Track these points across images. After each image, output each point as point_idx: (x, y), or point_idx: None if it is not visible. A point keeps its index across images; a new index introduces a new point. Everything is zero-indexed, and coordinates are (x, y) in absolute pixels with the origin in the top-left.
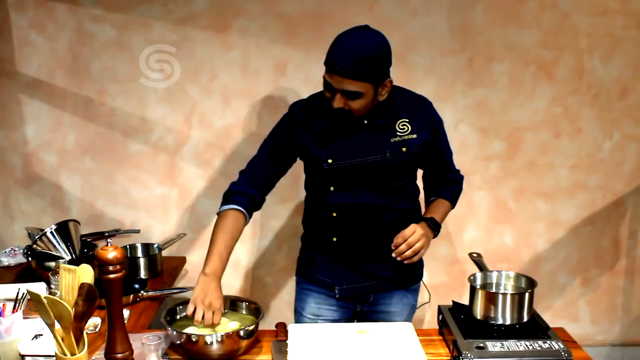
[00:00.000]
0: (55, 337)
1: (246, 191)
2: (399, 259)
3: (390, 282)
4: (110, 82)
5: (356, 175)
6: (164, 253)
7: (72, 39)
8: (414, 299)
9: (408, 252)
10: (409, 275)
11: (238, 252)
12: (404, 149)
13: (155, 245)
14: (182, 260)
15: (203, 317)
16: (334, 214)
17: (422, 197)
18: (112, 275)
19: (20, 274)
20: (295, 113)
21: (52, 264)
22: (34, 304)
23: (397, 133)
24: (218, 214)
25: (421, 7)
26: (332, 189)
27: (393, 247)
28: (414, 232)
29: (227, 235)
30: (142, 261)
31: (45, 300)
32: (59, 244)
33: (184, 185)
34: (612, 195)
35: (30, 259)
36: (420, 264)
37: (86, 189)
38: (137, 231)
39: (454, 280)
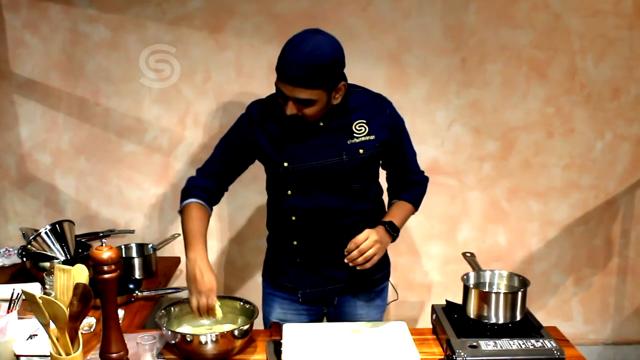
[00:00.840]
0: (50, 337)
1: (204, 185)
2: (350, 264)
3: (353, 285)
4: (105, 82)
5: (313, 178)
6: (159, 253)
7: (67, 40)
8: (380, 300)
9: (360, 259)
10: (372, 278)
11: (232, 253)
12: (361, 151)
13: (150, 246)
14: (177, 261)
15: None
16: (293, 218)
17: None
18: (106, 276)
19: (14, 274)
20: (251, 113)
21: (47, 264)
22: (28, 304)
23: (354, 135)
24: (180, 210)
25: (415, 8)
26: (289, 192)
27: (345, 253)
28: (366, 239)
29: (198, 221)
30: (136, 261)
31: (40, 301)
32: (53, 244)
33: (179, 185)
34: (604, 195)
35: (24, 259)
36: (384, 265)
37: (81, 189)
38: (132, 231)
39: (448, 280)
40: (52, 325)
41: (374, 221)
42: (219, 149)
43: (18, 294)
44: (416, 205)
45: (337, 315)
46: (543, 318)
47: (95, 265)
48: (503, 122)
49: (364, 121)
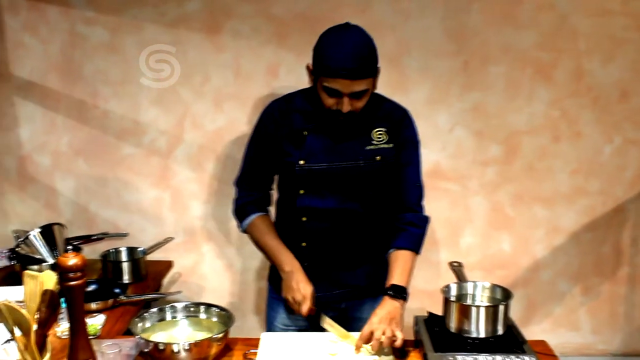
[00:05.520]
0: (16, 343)
1: (252, 198)
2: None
3: (362, 290)
4: (103, 84)
5: (327, 179)
6: (152, 257)
7: (65, 41)
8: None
9: (385, 342)
10: (381, 282)
11: (231, 256)
12: (377, 158)
13: (140, 249)
14: (169, 265)
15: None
16: (304, 218)
17: None
18: (72, 282)
19: (5, 276)
20: (273, 110)
21: (36, 267)
22: None
23: (373, 141)
24: (245, 230)
25: (415, 9)
26: (302, 192)
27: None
28: (371, 332)
29: (272, 233)
30: (125, 265)
31: (2, 307)
32: (42, 247)
33: (177, 188)
34: (613, 201)
35: (13, 262)
36: None
37: (80, 191)
38: (125, 234)
39: None
40: (19, 332)
41: (386, 229)
42: (249, 154)
43: None
44: (416, 249)
45: (344, 319)
46: (549, 327)
47: (61, 272)
48: (507, 126)
49: (384, 129)
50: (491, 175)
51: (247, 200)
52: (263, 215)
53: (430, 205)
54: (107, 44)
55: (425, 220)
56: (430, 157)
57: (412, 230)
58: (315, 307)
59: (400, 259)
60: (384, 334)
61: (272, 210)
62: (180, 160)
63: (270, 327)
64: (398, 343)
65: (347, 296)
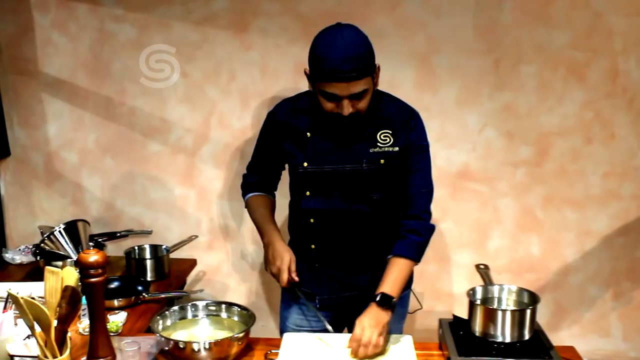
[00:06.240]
0: (36, 339)
1: (255, 180)
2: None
3: (371, 293)
4: (131, 82)
5: (331, 181)
6: (176, 255)
7: (94, 39)
8: (401, 308)
9: (369, 351)
10: None
11: (255, 256)
12: (382, 161)
13: (164, 247)
14: (193, 263)
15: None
16: (312, 220)
17: None
18: (93, 279)
19: (30, 272)
20: (276, 114)
21: (59, 263)
22: (15, 306)
23: (378, 144)
24: (246, 202)
25: (445, 7)
26: (307, 193)
27: (352, 356)
28: (362, 332)
29: (262, 208)
30: (148, 263)
31: (23, 302)
32: (66, 243)
33: (203, 186)
34: None
35: (38, 257)
36: None
37: (106, 188)
38: (150, 232)
39: None
40: (39, 328)
41: (394, 230)
42: (257, 147)
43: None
44: (415, 258)
45: (352, 322)
46: (578, 333)
47: (82, 269)
48: (538, 127)
49: (390, 132)
50: (521, 177)
51: (249, 181)
52: (260, 195)
53: (459, 207)
54: (135, 41)
55: (428, 230)
56: (459, 158)
57: (412, 239)
58: (298, 278)
59: (395, 266)
60: (370, 338)
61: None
62: (206, 158)
63: (283, 327)
64: (376, 349)
65: (359, 298)
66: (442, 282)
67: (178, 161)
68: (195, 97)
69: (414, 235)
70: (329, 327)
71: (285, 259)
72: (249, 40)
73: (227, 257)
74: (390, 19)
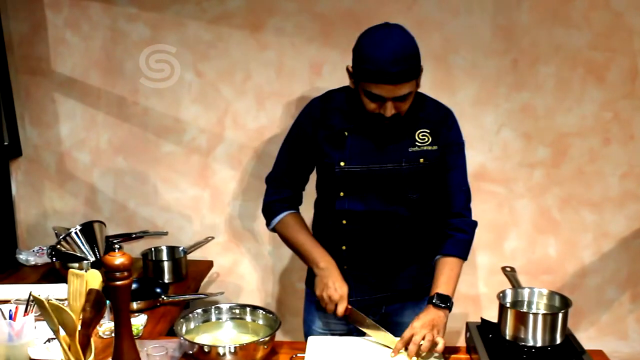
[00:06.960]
0: (60, 343)
1: (282, 196)
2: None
3: (403, 294)
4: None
5: (369, 181)
6: (192, 256)
7: (106, 38)
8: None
9: (425, 346)
10: (423, 286)
11: (270, 257)
12: (421, 160)
13: (181, 249)
14: (209, 264)
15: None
16: (344, 221)
17: None
18: (118, 282)
19: (45, 274)
20: (312, 109)
21: (76, 264)
22: (39, 309)
23: (416, 143)
24: (274, 229)
25: (463, 6)
26: (342, 194)
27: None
28: (411, 335)
29: (305, 230)
30: (166, 265)
31: (48, 306)
32: (83, 245)
33: (217, 187)
34: None
35: (54, 259)
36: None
37: (118, 189)
38: (165, 233)
39: (494, 292)
40: (63, 332)
41: (430, 233)
42: (283, 153)
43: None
44: (463, 256)
45: (384, 324)
46: (595, 335)
47: (107, 272)
48: (555, 128)
49: (428, 131)
50: (538, 178)
51: (276, 198)
52: (294, 213)
53: (475, 208)
54: (149, 40)
55: (473, 226)
56: (475, 158)
57: (459, 237)
58: (351, 307)
59: (446, 266)
60: (423, 338)
61: (310, 212)
62: (221, 158)
63: (308, 331)
64: (439, 348)
65: (387, 300)
66: (459, 284)
67: (192, 161)
68: (209, 96)
69: (461, 233)
70: (387, 332)
71: (345, 289)
72: (265, 40)
73: (241, 258)
74: (407, 19)
